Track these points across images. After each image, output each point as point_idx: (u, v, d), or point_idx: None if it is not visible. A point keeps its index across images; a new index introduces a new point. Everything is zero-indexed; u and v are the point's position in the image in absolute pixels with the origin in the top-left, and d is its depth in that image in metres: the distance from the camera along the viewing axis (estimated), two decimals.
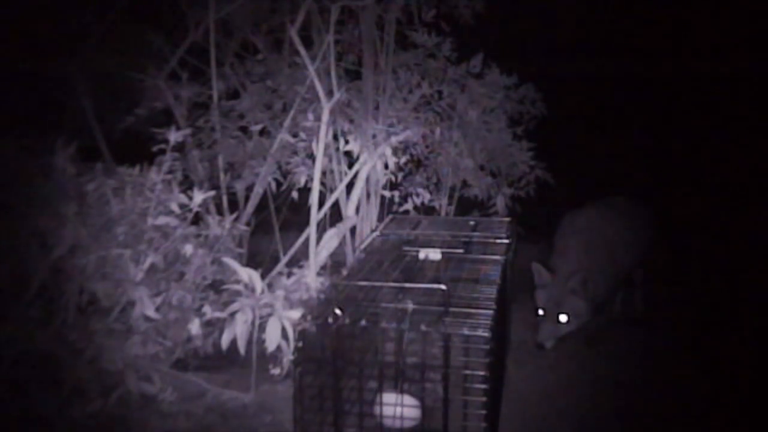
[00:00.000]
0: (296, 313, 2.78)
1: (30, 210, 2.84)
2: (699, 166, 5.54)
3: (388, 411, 2.44)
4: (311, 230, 3.49)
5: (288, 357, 2.95)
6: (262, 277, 2.97)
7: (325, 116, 3.41)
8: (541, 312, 3.48)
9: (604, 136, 5.72)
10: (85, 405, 2.81)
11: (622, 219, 3.83)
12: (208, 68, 3.68)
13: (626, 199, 4.07)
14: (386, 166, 3.90)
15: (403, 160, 4.04)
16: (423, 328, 2.29)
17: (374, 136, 3.78)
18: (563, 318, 3.44)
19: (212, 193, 3.31)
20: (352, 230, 4.00)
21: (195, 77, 3.77)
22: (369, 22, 3.83)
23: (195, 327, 3.00)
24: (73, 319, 2.88)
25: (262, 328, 2.86)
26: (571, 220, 3.79)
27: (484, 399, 2.28)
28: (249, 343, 2.89)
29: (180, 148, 3.21)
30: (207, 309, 3.01)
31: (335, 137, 3.86)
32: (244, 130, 3.81)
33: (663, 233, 4.09)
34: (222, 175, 3.74)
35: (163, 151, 3.04)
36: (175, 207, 3.01)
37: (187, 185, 3.20)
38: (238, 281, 2.95)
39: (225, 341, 2.89)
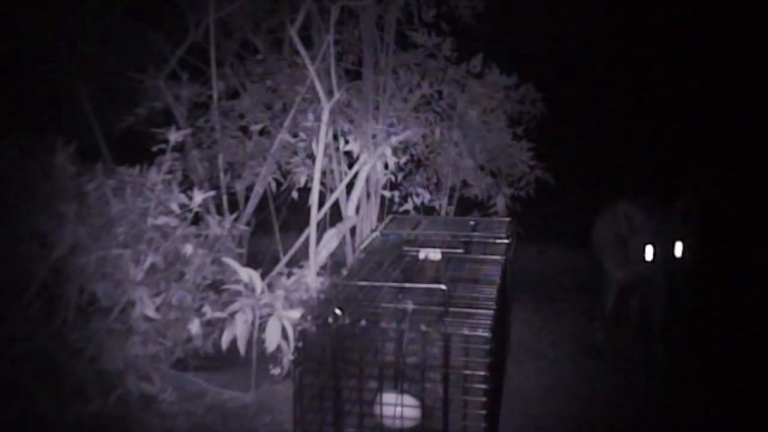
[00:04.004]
0: (296, 313, 2.78)
1: (30, 210, 2.84)
2: (702, 167, 5.52)
3: (388, 411, 2.44)
4: (311, 230, 3.49)
5: (288, 357, 2.95)
6: (262, 277, 2.98)
7: (325, 116, 3.41)
8: (649, 253, 3.18)
9: (605, 135, 5.71)
10: (85, 405, 2.82)
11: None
12: (208, 68, 3.68)
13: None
14: (386, 166, 3.90)
15: (403, 160, 4.04)
16: (423, 328, 2.29)
17: (374, 136, 3.78)
18: (678, 246, 3.15)
19: (212, 193, 3.31)
20: (352, 230, 4.00)
21: (195, 77, 3.77)
22: (369, 22, 3.84)
23: (195, 327, 3.00)
24: (73, 319, 2.88)
25: (262, 328, 2.87)
26: (630, 213, 3.47)
27: (484, 399, 2.27)
28: (249, 343, 2.89)
29: (180, 148, 3.21)
30: (207, 309, 3.01)
31: (335, 137, 3.86)
32: (244, 130, 3.81)
33: None
34: (222, 175, 3.74)
35: (163, 151, 3.04)
36: (175, 207, 3.01)
37: (187, 185, 3.20)
38: (238, 281, 2.95)
39: (225, 341, 2.90)
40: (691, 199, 3.24)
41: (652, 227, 3.22)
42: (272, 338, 2.82)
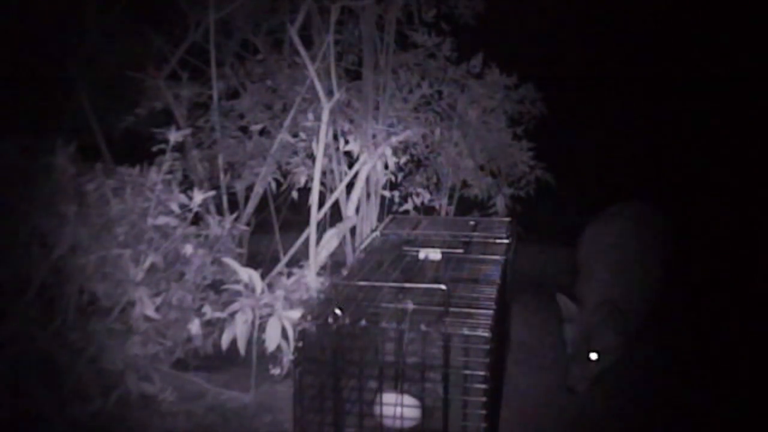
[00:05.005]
0: (296, 313, 2.78)
1: (30, 210, 2.84)
2: (704, 167, 5.51)
3: (388, 411, 2.44)
4: (311, 230, 3.49)
5: (288, 357, 2.95)
6: (262, 277, 2.98)
7: (325, 116, 3.41)
8: (569, 350, 3.16)
9: (604, 135, 5.72)
10: (85, 405, 2.81)
11: (651, 230, 3.58)
12: (208, 68, 3.69)
13: (645, 205, 3.82)
14: (386, 166, 3.90)
15: (403, 160, 4.04)
16: (423, 328, 2.29)
17: (374, 136, 3.78)
18: (594, 356, 3.09)
19: (212, 193, 3.31)
20: (352, 230, 4.00)
21: (195, 77, 3.77)
22: (369, 22, 3.84)
23: (195, 327, 3.00)
24: (73, 319, 2.88)
25: (262, 328, 2.86)
26: (595, 237, 3.53)
27: (484, 399, 2.28)
28: (249, 343, 2.89)
29: (180, 148, 3.21)
30: (207, 309, 3.01)
31: (335, 137, 3.86)
32: (244, 130, 3.81)
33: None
34: (222, 175, 3.75)
35: (163, 151, 3.04)
36: (175, 207, 3.01)
37: (187, 185, 3.20)
38: (238, 281, 2.95)
39: (225, 341, 2.90)
40: (613, 306, 3.12)
41: (572, 330, 3.20)
42: (272, 338, 2.82)
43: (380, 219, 3.91)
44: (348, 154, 3.88)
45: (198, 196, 3.06)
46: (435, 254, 2.83)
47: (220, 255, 3.15)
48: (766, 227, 4.70)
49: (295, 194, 3.90)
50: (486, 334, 2.24)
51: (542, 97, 4.05)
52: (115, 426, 2.84)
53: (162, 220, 2.98)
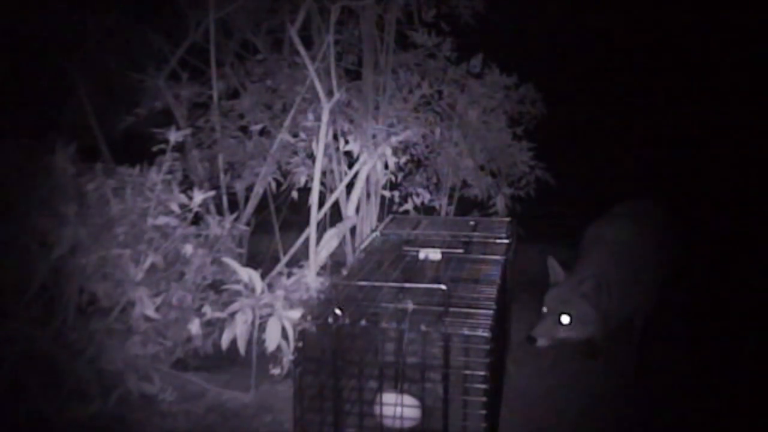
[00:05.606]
0: (296, 313, 2.78)
1: (30, 210, 2.84)
2: (706, 166, 5.49)
3: (388, 411, 2.44)
4: (311, 230, 3.49)
5: (288, 357, 2.96)
6: (262, 277, 2.98)
7: (325, 116, 3.41)
8: (544, 309, 3.29)
9: (605, 135, 5.71)
10: (85, 405, 2.82)
11: (654, 232, 3.64)
12: (208, 68, 3.69)
13: (652, 204, 3.90)
14: (386, 166, 3.90)
15: (403, 160, 4.04)
16: (423, 328, 2.29)
17: (374, 136, 3.78)
18: (565, 319, 3.21)
19: (212, 193, 3.31)
20: (352, 230, 4.00)
21: (195, 77, 3.77)
22: (369, 22, 3.83)
23: (195, 327, 3.00)
24: (73, 319, 2.88)
25: (262, 328, 2.86)
26: (598, 231, 3.61)
27: (484, 399, 2.28)
28: (249, 343, 2.89)
29: (180, 148, 3.21)
30: (207, 309, 3.01)
31: (335, 137, 3.86)
32: (244, 130, 3.81)
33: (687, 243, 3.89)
34: (222, 175, 3.75)
35: (163, 151, 3.04)
36: (175, 207, 3.01)
37: (187, 185, 3.20)
38: (238, 281, 2.95)
39: (225, 341, 2.90)
40: (600, 281, 3.25)
41: (551, 292, 3.32)
42: (272, 338, 2.82)
43: (380, 219, 3.90)
44: (348, 154, 3.88)
45: (198, 196, 3.07)
46: (435, 254, 2.83)
47: (220, 255, 3.15)
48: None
49: (295, 194, 3.89)
50: (486, 334, 2.24)
51: (542, 97, 4.05)
52: (115, 426, 2.84)
53: (162, 220, 2.98)
